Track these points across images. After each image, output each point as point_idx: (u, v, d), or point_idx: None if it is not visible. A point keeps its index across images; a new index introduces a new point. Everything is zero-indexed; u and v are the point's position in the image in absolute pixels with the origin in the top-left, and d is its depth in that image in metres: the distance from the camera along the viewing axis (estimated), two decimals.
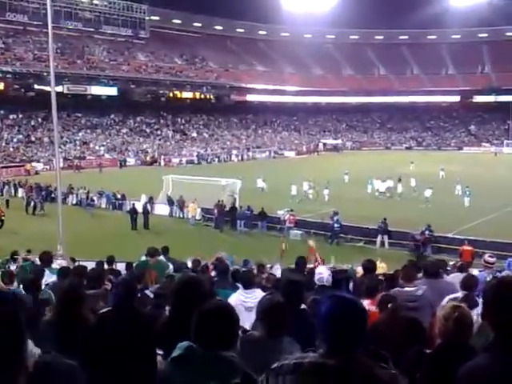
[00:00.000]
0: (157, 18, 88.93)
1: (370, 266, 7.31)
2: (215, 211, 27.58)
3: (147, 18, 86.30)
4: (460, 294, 5.27)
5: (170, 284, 4.49)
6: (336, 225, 23.62)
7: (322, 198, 33.34)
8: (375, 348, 2.23)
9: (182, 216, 30.00)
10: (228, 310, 2.43)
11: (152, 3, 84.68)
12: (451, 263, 10.73)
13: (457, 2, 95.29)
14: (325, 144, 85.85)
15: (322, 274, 6.56)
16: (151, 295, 6.05)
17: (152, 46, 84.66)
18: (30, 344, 1.89)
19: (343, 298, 2.20)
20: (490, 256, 8.96)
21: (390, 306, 4.53)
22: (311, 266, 10.86)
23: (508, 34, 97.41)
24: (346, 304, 2.15)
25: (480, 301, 5.25)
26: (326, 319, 2.10)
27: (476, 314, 3.71)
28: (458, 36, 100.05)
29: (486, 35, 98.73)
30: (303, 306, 4.38)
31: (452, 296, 5.13)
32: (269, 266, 11.87)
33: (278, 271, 7.95)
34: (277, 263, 8.38)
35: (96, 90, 71.16)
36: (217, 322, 2.29)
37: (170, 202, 30.62)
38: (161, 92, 78.58)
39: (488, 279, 6.64)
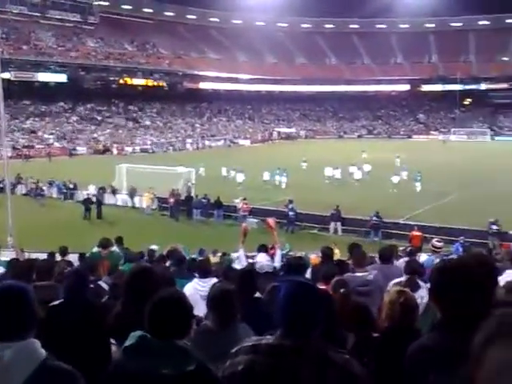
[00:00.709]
0: (106, 3, 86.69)
1: (328, 253, 7.45)
2: (170, 200, 27.35)
3: (96, 3, 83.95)
4: (403, 278, 5.45)
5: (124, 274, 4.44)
6: (291, 213, 23.85)
7: (279, 186, 33.67)
8: (334, 331, 2.29)
9: (133, 205, 29.56)
10: (181, 298, 2.43)
11: None
12: (401, 248, 11.07)
13: None
14: (279, 132, 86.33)
15: (261, 261, 6.66)
16: (105, 286, 5.98)
17: (101, 32, 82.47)
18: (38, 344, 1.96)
19: (300, 282, 2.29)
20: (437, 241, 9.29)
21: (341, 291, 4.63)
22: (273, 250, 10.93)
23: (453, 24, 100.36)
24: (303, 287, 2.22)
25: (423, 284, 5.46)
26: (284, 302, 2.16)
27: (420, 296, 3.87)
28: (407, 26, 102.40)
29: (432, 25, 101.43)
30: (257, 295, 4.41)
31: (396, 280, 5.31)
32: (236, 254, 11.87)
33: (242, 259, 7.99)
34: (240, 250, 8.39)
35: (44, 76, 69.05)
36: (169, 311, 2.29)
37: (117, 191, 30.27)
38: (111, 79, 76.91)
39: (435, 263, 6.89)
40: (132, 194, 29.67)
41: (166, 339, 2.22)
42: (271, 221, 8.90)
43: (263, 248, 8.68)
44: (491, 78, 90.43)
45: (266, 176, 35.10)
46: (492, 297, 2.90)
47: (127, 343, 2.27)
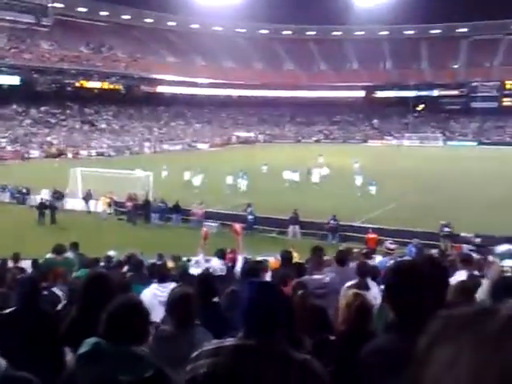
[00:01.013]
0: (61, 5, 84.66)
1: (287, 256, 7.52)
2: (127, 204, 26.95)
3: (50, 4, 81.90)
4: (355, 281, 5.57)
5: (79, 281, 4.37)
6: (250, 216, 23.90)
7: (238, 189, 33.76)
8: (292, 333, 2.32)
9: (88, 210, 28.97)
10: (137, 304, 2.41)
11: None
12: (355, 250, 11.26)
13: (361, 1, 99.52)
14: (237, 137, 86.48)
15: (214, 265, 6.71)
16: (60, 293, 5.85)
17: (56, 34, 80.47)
18: None
19: (263, 283, 2.36)
20: (390, 243, 9.54)
21: (299, 292, 4.69)
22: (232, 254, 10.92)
23: (406, 32, 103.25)
24: (266, 288, 2.26)
25: (374, 285, 5.60)
26: (247, 302, 2.18)
27: (372, 298, 3.97)
28: (362, 33, 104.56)
29: (387, 33, 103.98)
30: (216, 299, 4.41)
31: (349, 283, 5.42)
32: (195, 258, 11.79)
33: (202, 263, 8.01)
34: (199, 254, 8.38)
35: None
36: (125, 317, 2.27)
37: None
38: (66, 81, 75.22)
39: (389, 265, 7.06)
40: (87, 198, 29.04)
41: (122, 345, 2.20)
42: (238, 226, 8.92)
43: (220, 253, 8.69)
44: (443, 84, 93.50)
45: (229, 180, 34.97)
46: (444, 297, 3.01)
47: (81, 350, 2.23)
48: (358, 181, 34.62)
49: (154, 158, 55.69)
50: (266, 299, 2.16)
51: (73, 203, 29.68)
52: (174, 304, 3.28)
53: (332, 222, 22.42)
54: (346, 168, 42.03)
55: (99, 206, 28.24)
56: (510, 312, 0.60)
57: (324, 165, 42.45)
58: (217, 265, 6.69)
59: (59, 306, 4.78)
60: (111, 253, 11.47)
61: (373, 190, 32.61)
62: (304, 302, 4.40)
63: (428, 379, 0.60)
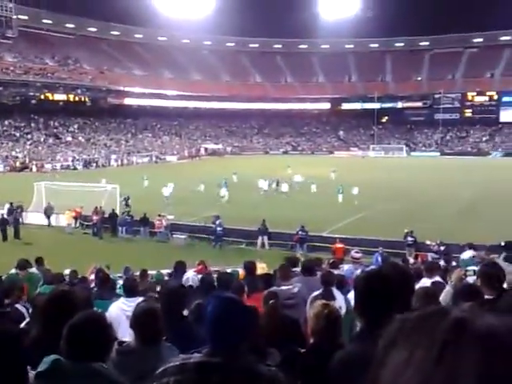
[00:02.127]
0: (25, 17, 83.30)
1: (250, 267, 7.52)
2: (93, 218, 26.51)
3: (15, 16, 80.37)
4: (321, 291, 5.62)
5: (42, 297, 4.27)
6: (219, 228, 23.85)
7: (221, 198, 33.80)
8: (258, 346, 2.31)
9: (49, 224, 28.30)
10: (97, 320, 2.37)
11: (20, 1, 79.10)
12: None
13: (326, 15, 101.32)
14: (206, 149, 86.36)
15: (188, 275, 6.73)
16: (23, 309, 5.71)
17: (20, 47, 79.08)
18: None
19: (226, 298, 2.27)
20: (355, 252, 9.69)
21: (270, 302, 4.68)
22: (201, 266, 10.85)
23: (371, 45, 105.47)
24: (228, 303, 2.21)
25: (339, 294, 5.66)
26: (210, 318, 2.14)
27: (338, 306, 4.03)
28: (327, 46, 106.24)
29: (352, 46, 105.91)
30: (185, 313, 4.37)
31: (315, 293, 5.46)
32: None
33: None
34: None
35: None
36: (84, 334, 2.24)
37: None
38: (31, 94, 73.75)
39: (357, 273, 7.16)
40: (47, 212, 28.32)
41: (82, 362, 2.17)
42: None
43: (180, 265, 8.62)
44: (407, 96, 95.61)
45: (202, 188, 36.26)
46: (410, 304, 3.09)
47: (40, 368, 2.20)
48: (355, 190, 34.65)
49: (120, 171, 55.09)
50: (231, 314, 2.13)
51: (37, 217, 29.00)
52: (138, 319, 3.18)
53: (301, 232, 22.53)
54: (315, 178, 42.46)
55: (64, 219, 27.67)
56: (459, 314, 0.61)
57: (293, 174, 43.08)
58: (191, 276, 6.68)
59: (22, 324, 4.67)
60: (67, 271, 11.22)
61: (340, 197, 33.37)
62: (274, 312, 4.38)
63: (384, 380, 0.62)
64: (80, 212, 27.65)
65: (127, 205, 29.00)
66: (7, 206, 28.06)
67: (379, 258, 17.22)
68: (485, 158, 75.72)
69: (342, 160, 72.69)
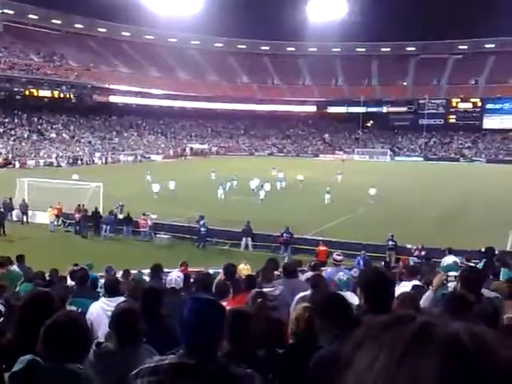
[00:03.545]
0: (11, 11, 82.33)
1: (230, 269, 7.51)
2: (76, 216, 26.25)
3: (0, 11, 79.50)
4: (308, 292, 5.63)
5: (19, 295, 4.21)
6: (202, 229, 23.80)
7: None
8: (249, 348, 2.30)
9: (26, 221, 27.95)
10: (73, 321, 2.35)
11: None
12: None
13: (314, 18, 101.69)
14: (191, 148, 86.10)
15: (171, 276, 6.70)
16: (1, 308, 5.62)
17: (5, 41, 78.04)
18: None
19: (201, 299, 2.27)
20: (337, 255, 9.73)
21: (258, 301, 4.67)
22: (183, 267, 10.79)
23: (358, 49, 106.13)
24: (203, 305, 2.20)
25: None
26: (184, 320, 2.14)
27: None
28: (315, 49, 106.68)
29: (338, 50, 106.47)
30: (166, 313, 4.34)
31: (301, 294, 5.47)
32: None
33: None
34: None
35: None
36: (60, 334, 2.22)
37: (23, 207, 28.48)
38: (15, 90, 72.75)
39: (339, 276, 7.16)
40: (22, 208, 27.98)
41: (58, 362, 2.15)
42: None
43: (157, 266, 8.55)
44: (392, 101, 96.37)
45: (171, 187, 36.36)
46: (389, 307, 3.12)
47: (15, 368, 2.18)
48: (372, 191, 35.75)
49: (104, 169, 54.69)
50: (205, 316, 2.12)
51: (19, 214, 28.65)
52: (116, 320, 3.14)
53: (285, 234, 22.53)
54: (300, 180, 42.77)
55: (47, 217, 27.38)
56: (425, 319, 0.63)
57: (278, 177, 43.43)
58: (174, 276, 6.64)
59: None
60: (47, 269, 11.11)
61: (327, 198, 34.09)
62: (260, 313, 4.37)
63: (351, 380, 0.63)
64: (61, 209, 27.37)
65: (122, 212, 28.30)
66: (1, 200, 27.67)
67: (361, 262, 17.37)
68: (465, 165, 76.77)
69: (324, 163, 72.76)
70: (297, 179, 42.87)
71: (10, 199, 28.38)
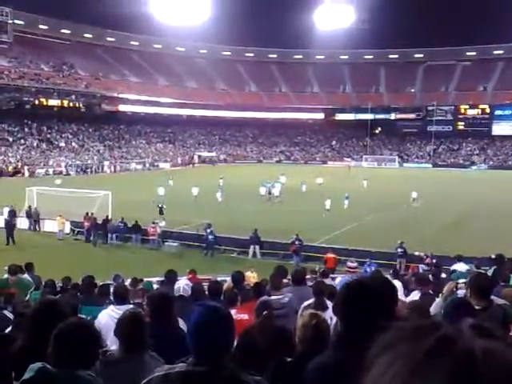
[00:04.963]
0: (21, 22, 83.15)
1: (238, 277, 7.49)
2: (85, 224, 26.34)
3: (10, 21, 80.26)
4: (312, 300, 5.61)
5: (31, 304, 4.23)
6: (210, 236, 23.76)
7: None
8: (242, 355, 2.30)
9: (38, 229, 28.17)
10: (83, 328, 2.35)
11: (17, 7, 78.97)
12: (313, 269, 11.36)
13: (322, 26, 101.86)
14: (200, 156, 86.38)
15: (180, 284, 6.71)
16: (11, 316, 5.65)
17: (16, 51, 78.81)
18: None
19: (210, 307, 2.25)
20: (351, 262, 9.67)
21: (264, 313, 4.65)
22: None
23: (366, 57, 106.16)
24: (212, 312, 2.19)
25: (329, 303, 5.65)
26: (193, 327, 2.14)
27: (328, 317, 4.02)
28: (322, 57, 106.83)
29: (346, 57, 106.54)
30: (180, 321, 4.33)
31: (306, 303, 5.45)
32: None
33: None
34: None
35: None
36: (70, 341, 2.22)
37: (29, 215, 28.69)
38: (25, 99, 73.41)
39: None
40: (29, 216, 28.17)
41: (68, 370, 2.16)
42: None
43: (171, 273, 8.54)
44: (400, 108, 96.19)
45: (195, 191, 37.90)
46: (393, 314, 3.08)
47: (26, 376, 2.18)
48: (414, 194, 37.71)
49: (113, 177, 54.94)
50: (215, 324, 2.11)
51: (28, 223, 28.80)
52: (121, 327, 3.12)
53: (297, 242, 22.18)
54: (310, 187, 43.00)
55: (55, 225, 27.49)
56: (443, 333, 0.63)
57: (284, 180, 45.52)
58: (182, 284, 6.65)
59: (7, 330, 4.61)
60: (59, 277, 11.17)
61: (346, 203, 34.81)
62: (267, 323, 4.35)
63: (368, 382, 0.64)
64: (66, 218, 27.46)
65: (161, 212, 29.32)
66: (7, 209, 27.77)
67: (368, 269, 17.22)
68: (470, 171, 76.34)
69: (333, 170, 72.63)
70: (316, 183, 45.30)
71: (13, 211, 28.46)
